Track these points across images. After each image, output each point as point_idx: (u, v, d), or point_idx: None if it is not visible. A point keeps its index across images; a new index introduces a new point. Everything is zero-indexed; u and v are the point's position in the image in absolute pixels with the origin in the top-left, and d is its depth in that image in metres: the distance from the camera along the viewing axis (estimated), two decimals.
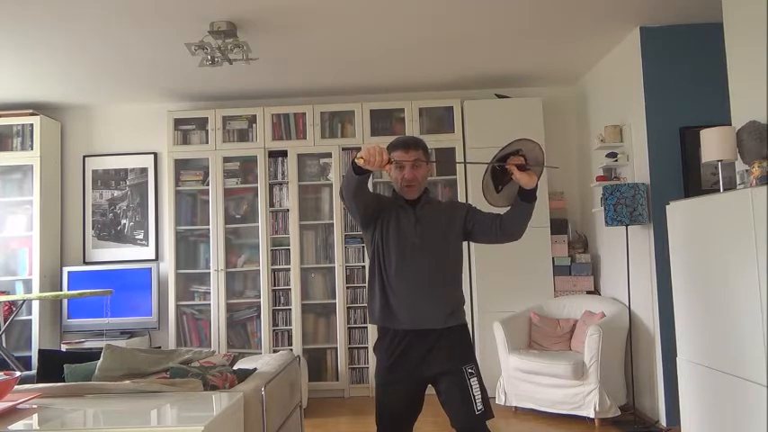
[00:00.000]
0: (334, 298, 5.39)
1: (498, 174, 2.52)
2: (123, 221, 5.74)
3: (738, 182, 3.13)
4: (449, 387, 2.50)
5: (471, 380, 2.48)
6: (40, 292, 5.29)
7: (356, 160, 2.32)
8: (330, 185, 5.48)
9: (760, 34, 3.00)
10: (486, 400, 2.49)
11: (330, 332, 5.44)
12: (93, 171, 5.77)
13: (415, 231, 2.58)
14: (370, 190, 2.68)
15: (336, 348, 5.35)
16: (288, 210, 5.44)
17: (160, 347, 5.35)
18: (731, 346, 2.78)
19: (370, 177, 2.77)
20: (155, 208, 5.73)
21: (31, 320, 5.30)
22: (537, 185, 2.47)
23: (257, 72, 4.88)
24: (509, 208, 2.58)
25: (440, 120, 5.54)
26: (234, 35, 3.97)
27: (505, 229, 2.58)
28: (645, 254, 4.29)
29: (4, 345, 4.82)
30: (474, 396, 2.46)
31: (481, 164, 2.58)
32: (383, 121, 5.53)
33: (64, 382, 2.41)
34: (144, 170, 5.77)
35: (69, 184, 5.79)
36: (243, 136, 5.54)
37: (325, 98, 5.67)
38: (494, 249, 5.12)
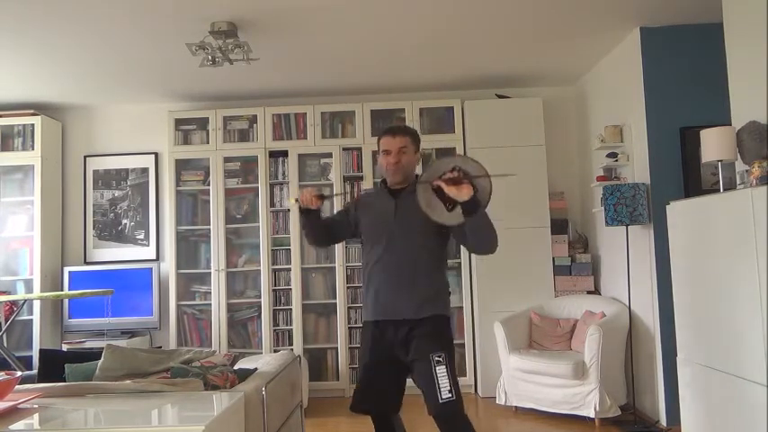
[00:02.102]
0: (335, 298, 5.39)
1: (442, 192, 2.47)
2: (124, 221, 5.75)
3: (738, 182, 3.14)
4: (418, 375, 2.56)
5: (438, 368, 2.49)
6: (41, 291, 5.29)
7: (292, 202, 2.60)
8: (331, 185, 5.48)
9: (760, 34, 3.00)
10: (455, 388, 2.48)
11: (330, 332, 5.44)
12: (94, 171, 5.78)
13: (393, 220, 2.67)
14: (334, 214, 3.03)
15: (337, 348, 5.36)
16: (288, 210, 5.44)
17: (161, 347, 5.35)
18: (731, 345, 2.79)
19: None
20: (155, 208, 5.74)
21: (31, 320, 5.31)
22: (477, 199, 2.42)
23: (258, 72, 4.89)
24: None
25: (440, 120, 5.54)
26: (234, 35, 3.97)
27: (469, 246, 2.64)
28: (645, 254, 4.29)
29: (5, 344, 4.82)
30: (439, 384, 2.46)
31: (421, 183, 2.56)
32: (384, 121, 5.53)
33: (65, 381, 2.41)
34: (145, 170, 5.78)
35: (70, 184, 5.80)
36: (243, 136, 5.54)
37: (326, 98, 5.68)
38: None
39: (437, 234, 2.66)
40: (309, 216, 2.77)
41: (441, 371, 2.49)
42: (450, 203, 2.46)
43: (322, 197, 2.72)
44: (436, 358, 2.51)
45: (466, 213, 2.43)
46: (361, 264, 2.83)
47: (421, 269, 2.64)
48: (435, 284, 2.68)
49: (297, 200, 2.74)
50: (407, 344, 2.59)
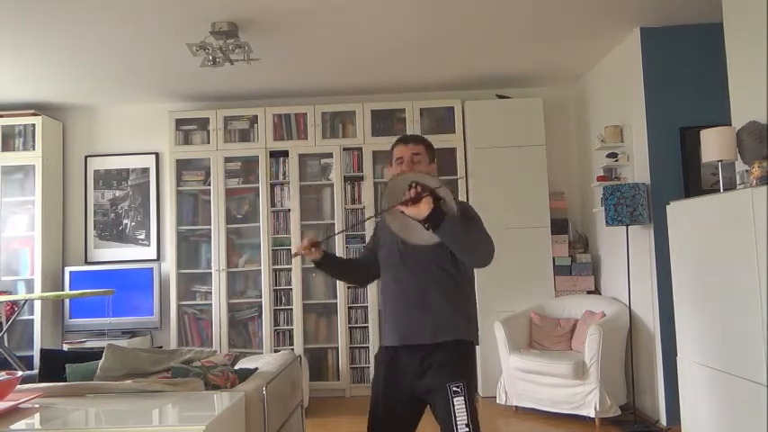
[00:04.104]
0: (335, 298, 5.40)
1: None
2: (125, 221, 5.75)
3: (738, 182, 3.14)
4: (435, 406, 2.39)
5: (455, 399, 2.33)
6: (42, 291, 5.30)
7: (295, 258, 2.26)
8: (331, 185, 5.48)
9: (760, 34, 3.00)
10: (474, 422, 2.34)
11: (331, 332, 5.44)
12: (94, 171, 5.79)
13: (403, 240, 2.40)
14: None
15: (337, 348, 5.36)
16: (289, 210, 5.44)
17: (161, 347, 5.36)
18: (731, 345, 2.79)
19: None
20: (156, 208, 5.74)
21: (32, 320, 5.32)
22: (440, 210, 2.17)
23: (258, 72, 4.89)
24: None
25: (441, 120, 5.55)
26: (235, 35, 3.98)
27: (464, 261, 2.41)
28: (645, 254, 4.30)
29: (6, 344, 4.83)
30: (456, 417, 2.31)
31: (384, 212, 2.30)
32: (384, 121, 5.54)
33: (65, 381, 2.42)
34: (145, 170, 5.78)
35: (71, 184, 5.81)
36: (244, 136, 5.55)
37: (327, 98, 5.68)
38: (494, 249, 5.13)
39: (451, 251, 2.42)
40: (321, 266, 2.53)
41: (458, 402, 2.33)
42: (425, 222, 2.19)
43: (317, 244, 2.44)
44: (454, 389, 2.34)
45: (432, 228, 2.18)
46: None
47: (437, 290, 2.42)
48: (454, 306, 2.45)
49: (295, 254, 2.50)
50: (424, 372, 2.40)
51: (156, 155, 5.78)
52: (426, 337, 2.40)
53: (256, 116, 5.52)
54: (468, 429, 2.32)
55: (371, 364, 5.27)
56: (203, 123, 5.56)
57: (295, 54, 4.61)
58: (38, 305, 5.30)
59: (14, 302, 5.01)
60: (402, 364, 2.45)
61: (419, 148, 2.51)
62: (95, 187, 5.78)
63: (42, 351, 2.98)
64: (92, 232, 5.73)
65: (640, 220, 4.19)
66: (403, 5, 3.82)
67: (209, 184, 5.51)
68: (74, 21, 3.86)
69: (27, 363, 4.93)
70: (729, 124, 3.22)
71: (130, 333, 5.38)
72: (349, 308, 5.39)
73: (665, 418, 4.11)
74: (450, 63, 4.98)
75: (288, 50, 4.52)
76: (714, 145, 3.08)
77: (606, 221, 4.29)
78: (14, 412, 1.89)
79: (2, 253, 5.45)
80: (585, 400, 4.22)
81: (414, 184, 2.19)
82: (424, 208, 2.16)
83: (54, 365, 2.64)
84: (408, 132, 5.29)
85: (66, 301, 5.40)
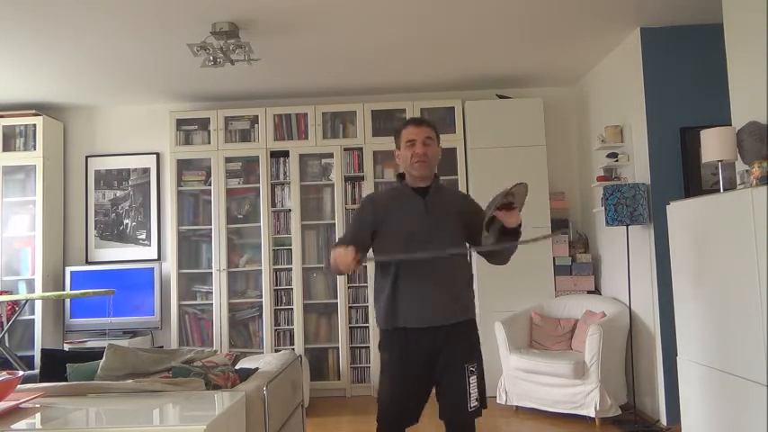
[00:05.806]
0: (336, 297, 5.40)
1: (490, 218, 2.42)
2: (126, 221, 5.76)
3: (738, 182, 3.14)
4: (447, 382, 2.49)
5: (471, 378, 2.47)
6: (43, 291, 5.31)
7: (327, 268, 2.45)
8: (332, 186, 5.48)
9: (760, 34, 3.00)
10: (482, 396, 2.50)
11: (332, 332, 5.45)
12: (95, 171, 5.80)
13: (426, 220, 2.53)
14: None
15: (338, 348, 5.36)
16: (290, 210, 5.45)
17: (162, 347, 5.36)
18: (731, 345, 2.79)
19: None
20: (157, 208, 5.75)
21: (33, 320, 5.33)
22: (520, 225, 2.42)
23: (259, 72, 4.90)
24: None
25: (441, 120, 5.53)
26: (236, 36, 3.98)
27: (492, 260, 2.67)
28: (645, 254, 4.30)
29: (6, 344, 4.84)
30: (470, 393, 2.45)
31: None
32: (384, 121, 5.54)
33: (66, 381, 2.42)
34: (146, 170, 5.79)
35: (72, 185, 5.81)
36: (245, 136, 5.55)
37: (327, 98, 5.68)
38: None
39: (463, 235, 2.60)
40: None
41: (472, 381, 2.48)
42: (513, 231, 2.44)
43: (359, 261, 2.49)
44: (470, 368, 2.50)
45: (512, 237, 2.44)
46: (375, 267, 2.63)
47: (456, 270, 2.56)
48: (467, 286, 2.64)
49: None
50: (441, 351, 2.50)
51: (157, 155, 5.79)
52: (450, 318, 2.52)
53: (257, 116, 5.52)
54: (476, 404, 2.46)
55: (372, 364, 5.26)
56: (204, 123, 5.57)
57: (296, 54, 4.61)
58: (39, 305, 5.30)
59: (15, 302, 5.01)
60: (421, 346, 2.50)
61: (431, 132, 2.65)
62: (96, 187, 5.78)
63: (43, 351, 2.99)
64: (93, 232, 5.74)
65: (640, 220, 4.20)
66: (403, 5, 3.83)
67: (210, 185, 5.52)
68: (75, 21, 3.87)
69: (28, 363, 4.94)
70: (729, 124, 3.22)
71: (131, 333, 5.39)
72: (349, 308, 5.39)
73: (665, 418, 4.11)
74: (450, 63, 4.98)
75: (288, 50, 4.52)
76: (714, 145, 3.08)
77: (606, 221, 4.29)
78: (15, 412, 1.90)
79: (3, 253, 5.46)
80: (586, 399, 4.22)
81: (510, 194, 2.35)
82: (517, 218, 2.38)
83: (55, 365, 2.65)
84: None
85: (67, 301, 5.40)
